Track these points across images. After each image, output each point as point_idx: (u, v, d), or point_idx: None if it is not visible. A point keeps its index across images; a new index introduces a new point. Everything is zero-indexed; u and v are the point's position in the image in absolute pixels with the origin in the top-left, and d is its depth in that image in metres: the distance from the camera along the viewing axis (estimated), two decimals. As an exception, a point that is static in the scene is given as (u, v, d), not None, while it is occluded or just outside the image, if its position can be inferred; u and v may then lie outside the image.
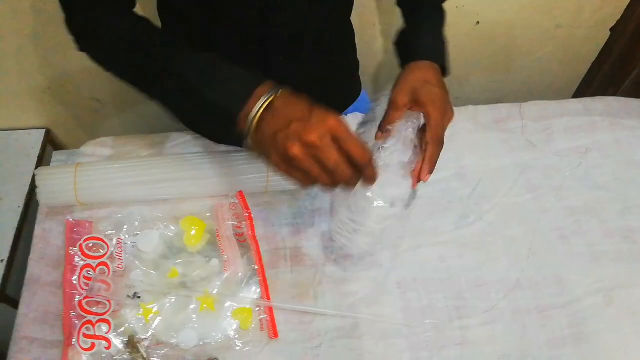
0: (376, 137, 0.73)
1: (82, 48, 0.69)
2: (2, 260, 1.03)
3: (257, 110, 0.57)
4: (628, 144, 0.99)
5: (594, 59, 1.31)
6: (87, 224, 0.82)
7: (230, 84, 0.59)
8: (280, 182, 0.88)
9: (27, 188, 1.12)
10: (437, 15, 0.79)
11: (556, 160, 0.96)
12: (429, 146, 0.70)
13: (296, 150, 0.54)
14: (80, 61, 1.09)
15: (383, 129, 0.72)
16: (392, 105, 0.72)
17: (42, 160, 1.17)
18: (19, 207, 1.10)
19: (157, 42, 0.64)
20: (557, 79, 1.35)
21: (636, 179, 0.95)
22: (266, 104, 0.57)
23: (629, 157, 0.97)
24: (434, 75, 0.73)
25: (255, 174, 0.87)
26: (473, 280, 0.83)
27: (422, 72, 0.73)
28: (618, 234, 0.88)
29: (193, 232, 0.82)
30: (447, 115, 0.72)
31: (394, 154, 0.72)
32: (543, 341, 0.78)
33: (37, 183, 0.82)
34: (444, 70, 0.76)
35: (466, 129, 0.99)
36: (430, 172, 0.71)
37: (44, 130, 1.21)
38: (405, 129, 0.72)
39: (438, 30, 0.78)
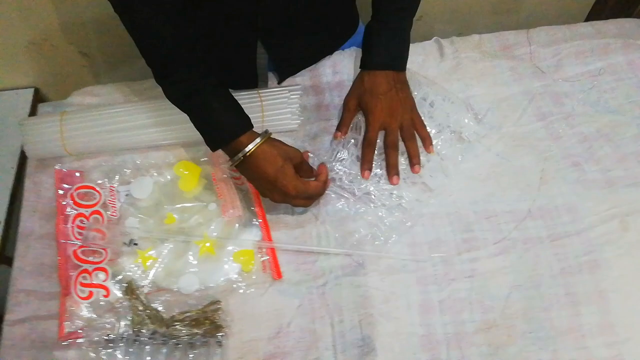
0: (334, 136, 0.83)
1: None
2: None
3: (245, 152, 0.70)
4: (643, 65, 0.93)
5: (605, -17, 1.24)
6: (78, 174, 0.79)
7: (232, 117, 0.72)
8: (276, 122, 0.84)
9: (19, 149, 1.08)
10: (401, 8, 0.79)
11: (567, 86, 0.91)
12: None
13: (272, 199, 0.74)
14: (63, 14, 1.05)
15: (341, 129, 0.82)
16: (344, 107, 0.83)
17: (33, 119, 1.13)
18: (12, 167, 1.07)
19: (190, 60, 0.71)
20: (566, 8, 1.27)
21: (652, 100, 0.90)
22: (252, 149, 0.70)
23: (644, 79, 0.92)
24: (380, 84, 0.79)
25: (250, 115, 0.82)
26: (482, 212, 0.79)
27: (371, 79, 0.80)
28: (633, 159, 0.84)
29: (188, 177, 0.79)
30: (394, 121, 0.79)
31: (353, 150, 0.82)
32: (557, 270, 0.75)
33: (23, 134, 0.79)
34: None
35: (472, 58, 0.93)
36: (394, 175, 0.79)
37: (33, 89, 1.17)
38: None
39: (396, 30, 0.80)
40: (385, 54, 0.80)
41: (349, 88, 0.84)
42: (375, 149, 0.80)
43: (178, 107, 0.73)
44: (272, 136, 0.73)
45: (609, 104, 0.89)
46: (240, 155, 0.70)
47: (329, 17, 0.86)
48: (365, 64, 0.81)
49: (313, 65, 0.92)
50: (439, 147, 0.83)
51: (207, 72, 0.71)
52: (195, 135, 0.82)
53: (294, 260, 0.75)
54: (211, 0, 0.73)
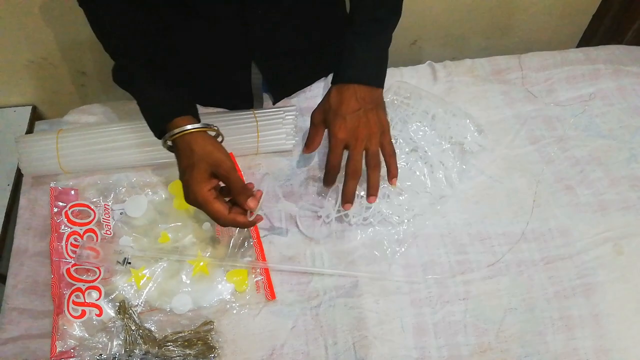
0: (303, 151, 0.80)
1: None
2: (-7, 239, 1.01)
3: (170, 135, 0.66)
4: (632, 91, 0.95)
5: (595, 10, 1.26)
6: (73, 191, 0.79)
7: (154, 113, 0.69)
8: (271, 142, 0.85)
9: (15, 166, 1.09)
10: (378, 19, 0.75)
11: (558, 110, 0.93)
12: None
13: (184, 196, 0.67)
14: (62, 33, 1.06)
15: (307, 145, 0.78)
16: (311, 121, 0.77)
17: (30, 137, 1.14)
18: (8, 185, 1.07)
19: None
20: (557, 34, 1.30)
21: (642, 126, 0.91)
22: (176, 135, 0.65)
23: (633, 104, 0.94)
24: (348, 101, 0.72)
25: (245, 135, 0.84)
26: (475, 235, 0.80)
27: (338, 95, 0.73)
28: (625, 182, 0.85)
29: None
30: (357, 144, 0.72)
31: None
32: (551, 293, 0.75)
33: (19, 151, 0.79)
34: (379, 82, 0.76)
35: (464, 82, 0.95)
36: (346, 202, 0.74)
37: (30, 107, 1.18)
38: None
39: (372, 43, 0.75)
40: (358, 68, 0.73)
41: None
42: (338, 173, 0.75)
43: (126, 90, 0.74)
44: (208, 132, 0.67)
45: (600, 129, 0.91)
46: (165, 137, 0.66)
47: (322, 40, 0.87)
48: (335, 78, 0.75)
49: (308, 87, 0.94)
50: (442, 158, 0.84)
51: (152, 59, 0.71)
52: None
53: (288, 281, 0.75)
54: (203, 24, 0.75)
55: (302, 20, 0.80)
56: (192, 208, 0.79)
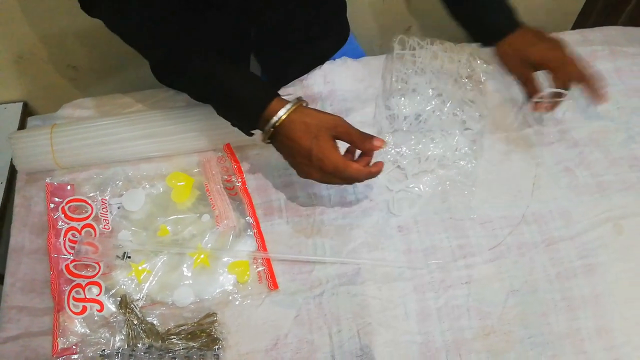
0: (535, 108, 0.82)
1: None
2: (-12, 238, 1.00)
3: (274, 122, 0.65)
4: (630, 72, 0.95)
5: (589, -8, 1.26)
6: (69, 187, 0.78)
7: (255, 89, 0.67)
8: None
9: (7, 164, 1.07)
10: None
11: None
12: (586, 81, 0.79)
13: (310, 177, 0.68)
14: (49, 27, 1.04)
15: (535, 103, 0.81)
16: (522, 81, 0.82)
17: (22, 134, 1.12)
18: (2, 183, 1.05)
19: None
20: (551, 15, 1.30)
21: (639, 106, 0.91)
22: (283, 118, 0.64)
23: (631, 85, 0.93)
24: (525, 35, 0.80)
25: (243, 125, 0.82)
26: (476, 219, 0.79)
27: (517, 40, 0.80)
28: (624, 163, 0.85)
29: (180, 188, 0.78)
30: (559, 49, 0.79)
31: None
32: (552, 274, 0.75)
33: (13, 148, 0.78)
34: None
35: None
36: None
37: (21, 103, 1.16)
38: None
39: None
40: (509, 13, 0.82)
41: (386, 87, 0.87)
42: None
43: (201, 101, 0.72)
44: (304, 104, 0.66)
45: (598, 110, 0.90)
46: (269, 127, 0.64)
47: (321, 31, 0.86)
48: (505, 25, 0.82)
49: (304, 75, 0.92)
50: (465, 95, 0.88)
51: (215, 54, 0.69)
52: (187, 146, 0.82)
53: (290, 271, 0.75)
54: (207, 15, 0.74)
55: (305, 13, 0.79)
56: (190, 200, 0.78)
